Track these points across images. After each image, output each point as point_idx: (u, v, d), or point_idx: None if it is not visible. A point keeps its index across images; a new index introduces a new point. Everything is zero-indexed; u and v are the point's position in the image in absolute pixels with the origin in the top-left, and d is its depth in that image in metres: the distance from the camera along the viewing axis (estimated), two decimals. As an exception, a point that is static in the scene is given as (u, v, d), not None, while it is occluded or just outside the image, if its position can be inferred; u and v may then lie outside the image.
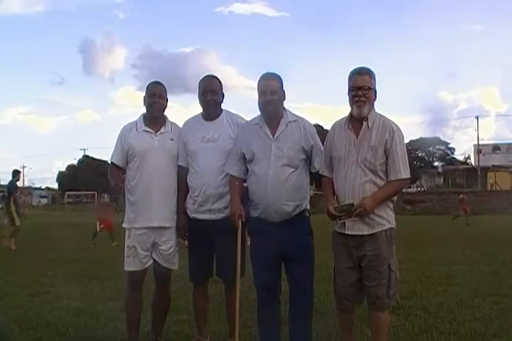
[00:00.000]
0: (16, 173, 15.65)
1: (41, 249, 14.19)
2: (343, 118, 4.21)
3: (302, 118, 4.46)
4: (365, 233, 4.01)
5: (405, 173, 4.06)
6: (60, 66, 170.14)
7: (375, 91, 4.12)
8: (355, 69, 4.11)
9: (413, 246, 14.33)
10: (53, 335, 5.25)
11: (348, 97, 4.11)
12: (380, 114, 4.13)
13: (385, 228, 4.05)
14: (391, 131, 4.02)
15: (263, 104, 4.34)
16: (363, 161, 4.01)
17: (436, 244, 14.96)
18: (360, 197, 3.97)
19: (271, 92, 4.30)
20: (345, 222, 4.02)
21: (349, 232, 4.03)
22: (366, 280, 4.06)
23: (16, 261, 11.54)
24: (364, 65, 4.15)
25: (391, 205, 4.15)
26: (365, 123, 4.05)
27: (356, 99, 4.02)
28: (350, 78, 4.10)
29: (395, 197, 4.21)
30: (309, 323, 4.42)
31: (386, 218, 4.08)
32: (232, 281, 4.40)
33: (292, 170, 4.28)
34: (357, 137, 4.06)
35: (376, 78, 4.13)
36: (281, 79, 4.42)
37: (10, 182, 15.90)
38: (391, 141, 4.00)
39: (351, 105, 4.08)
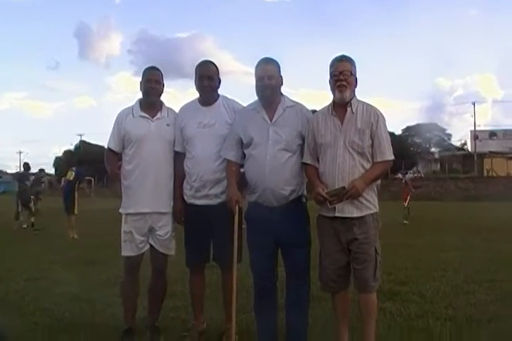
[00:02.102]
0: (81, 161, 15.24)
1: (38, 235, 14.22)
2: (325, 107, 4.30)
3: (300, 104, 4.46)
4: (354, 215, 4.08)
5: (390, 155, 4.18)
6: (56, 51, 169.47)
7: (356, 79, 4.23)
8: (336, 56, 4.23)
9: (410, 232, 14.44)
10: (50, 320, 5.27)
11: (329, 85, 4.21)
12: (361, 101, 4.23)
13: (371, 212, 4.16)
14: (375, 114, 4.14)
15: (260, 89, 4.32)
16: (351, 144, 4.08)
17: (433, 230, 15.05)
18: (350, 180, 4.03)
19: (268, 77, 4.28)
20: (335, 206, 4.06)
21: (339, 215, 4.08)
22: (355, 263, 4.13)
23: (13, 246, 11.57)
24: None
25: (376, 190, 4.26)
26: (349, 108, 4.14)
27: (338, 83, 4.12)
28: (331, 65, 4.21)
29: (379, 181, 4.30)
30: (306, 309, 4.43)
31: (372, 202, 4.18)
32: (228, 267, 4.39)
33: (290, 154, 4.27)
34: (342, 122, 4.14)
35: (357, 67, 4.24)
36: (278, 64, 4.40)
37: (80, 169, 15.60)
38: (376, 124, 4.11)
39: (333, 91, 4.18)
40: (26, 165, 18.35)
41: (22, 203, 17.23)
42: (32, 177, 18.58)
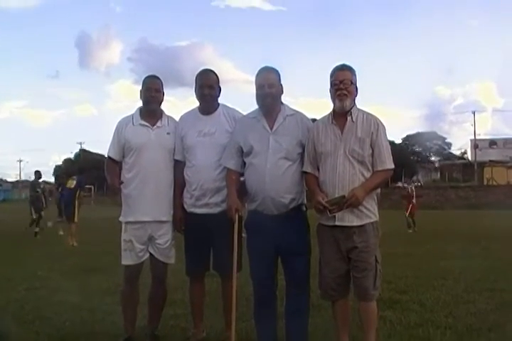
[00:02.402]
0: (82, 170, 15.27)
1: (38, 243, 14.19)
2: (325, 116, 4.32)
3: (300, 113, 4.48)
4: (355, 224, 4.09)
5: (390, 164, 4.20)
6: (56, 60, 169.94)
7: (357, 88, 4.25)
8: (337, 65, 4.26)
9: (410, 241, 14.41)
10: (50, 329, 5.24)
11: (330, 94, 4.23)
12: (362, 110, 4.25)
13: (371, 220, 4.17)
14: (375, 123, 4.16)
15: (261, 97, 4.34)
16: (351, 153, 4.10)
17: (433, 239, 15.03)
18: (350, 189, 4.04)
19: (269, 85, 4.31)
20: (335, 214, 4.07)
21: (339, 223, 4.09)
22: (355, 271, 4.14)
23: (12, 255, 11.53)
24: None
25: (376, 199, 4.27)
26: (349, 117, 4.16)
27: (338, 92, 4.14)
28: (332, 74, 4.23)
29: (379, 190, 4.30)
30: (306, 317, 4.43)
31: (372, 211, 4.20)
32: (228, 275, 4.40)
33: (290, 163, 4.29)
34: (342, 131, 4.16)
35: (357, 75, 4.27)
36: (278, 73, 4.43)
37: (81, 177, 15.65)
38: (376, 133, 4.13)
39: (333, 99, 4.20)
40: (38, 174, 18.30)
41: (35, 210, 17.32)
42: (42, 185, 18.60)
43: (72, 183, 15.17)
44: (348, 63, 4.28)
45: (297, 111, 4.48)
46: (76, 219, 14.58)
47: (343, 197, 4.02)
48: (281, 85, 4.43)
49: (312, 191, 4.24)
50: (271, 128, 4.34)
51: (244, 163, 4.44)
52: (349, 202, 4.01)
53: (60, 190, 17.00)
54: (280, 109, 4.40)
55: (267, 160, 4.26)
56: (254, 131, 4.38)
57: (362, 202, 4.05)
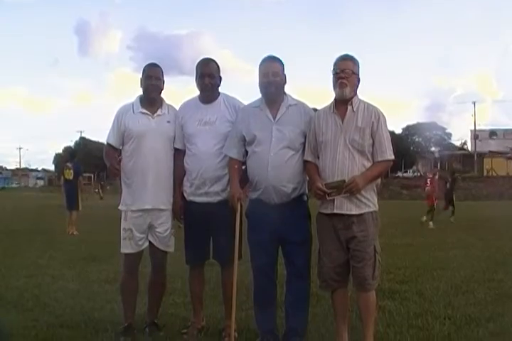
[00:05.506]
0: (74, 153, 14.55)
1: (38, 231, 14.21)
2: (326, 106, 4.33)
3: (302, 103, 4.49)
4: (353, 213, 4.10)
5: (391, 154, 4.20)
6: (55, 47, 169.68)
7: (359, 78, 4.26)
8: (340, 55, 4.28)
9: (409, 231, 14.43)
10: (50, 317, 5.25)
11: (332, 83, 4.24)
12: (363, 100, 4.26)
13: (371, 210, 4.17)
14: (376, 114, 4.17)
15: (265, 86, 4.33)
16: (351, 142, 4.11)
17: (433, 229, 15.05)
18: (349, 177, 4.05)
19: (273, 74, 4.31)
20: (333, 201, 4.08)
21: (337, 211, 4.10)
22: (354, 261, 4.14)
23: (12, 242, 11.55)
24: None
25: (376, 189, 4.27)
26: (349, 107, 4.17)
27: (339, 80, 4.15)
28: (334, 64, 4.25)
29: (379, 180, 4.31)
30: (306, 306, 4.44)
31: (372, 201, 4.20)
32: (229, 264, 4.40)
33: (293, 152, 4.29)
34: (342, 120, 4.17)
35: (360, 66, 4.28)
36: (283, 62, 4.44)
37: (76, 164, 15.23)
38: (377, 123, 4.14)
39: (334, 88, 4.22)
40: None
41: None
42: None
43: (69, 174, 14.90)
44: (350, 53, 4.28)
45: (300, 101, 4.47)
46: (80, 207, 14.64)
47: (343, 181, 4.02)
48: (285, 75, 4.43)
49: (312, 179, 4.25)
50: (274, 118, 4.34)
51: (247, 152, 4.44)
52: (348, 188, 4.01)
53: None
54: (283, 99, 4.39)
55: (270, 149, 4.27)
56: (257, 120, 4.37)
57: (361, 189, 4.05)
